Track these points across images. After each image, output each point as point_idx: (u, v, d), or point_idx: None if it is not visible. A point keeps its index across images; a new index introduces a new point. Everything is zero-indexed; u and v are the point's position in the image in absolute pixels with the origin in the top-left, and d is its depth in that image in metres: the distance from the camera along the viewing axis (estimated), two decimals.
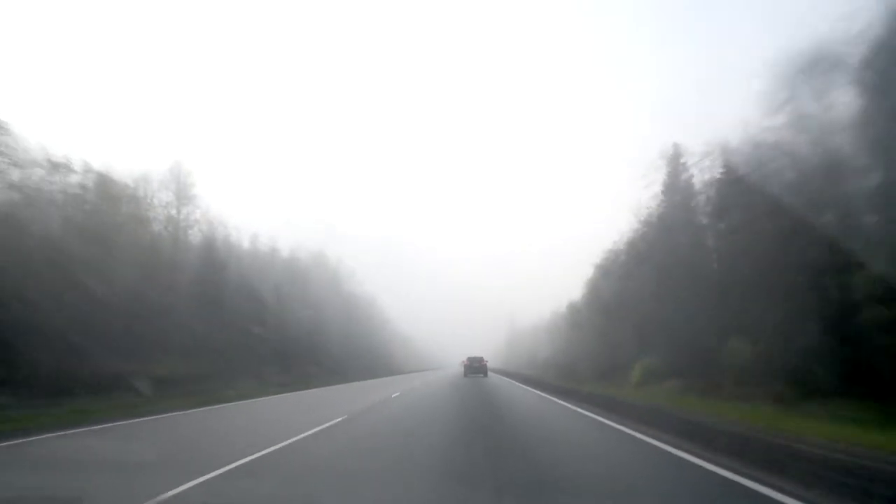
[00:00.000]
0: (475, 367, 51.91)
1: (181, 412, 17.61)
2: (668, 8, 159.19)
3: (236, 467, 8.07)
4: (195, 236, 37.76)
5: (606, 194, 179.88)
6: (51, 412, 15.57)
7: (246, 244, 50.38)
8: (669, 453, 9.21)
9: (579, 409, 17.34)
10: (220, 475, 7.49)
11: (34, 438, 11.46)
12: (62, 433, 12.19)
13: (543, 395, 25.83)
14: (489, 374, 55.07)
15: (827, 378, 15.31)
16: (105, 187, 28.06)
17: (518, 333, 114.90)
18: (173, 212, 36.82)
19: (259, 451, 9.37)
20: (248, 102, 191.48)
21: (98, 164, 28.35)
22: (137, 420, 15.12)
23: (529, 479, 7.29)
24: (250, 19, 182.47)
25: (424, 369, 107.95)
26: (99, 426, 13.48)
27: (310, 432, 11.93)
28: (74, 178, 25.76)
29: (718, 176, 24.61)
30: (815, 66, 16.51)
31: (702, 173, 26.04)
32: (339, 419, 14.68)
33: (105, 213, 27.81)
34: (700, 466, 8.02)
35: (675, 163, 32.97)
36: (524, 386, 34.56)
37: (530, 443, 10.80)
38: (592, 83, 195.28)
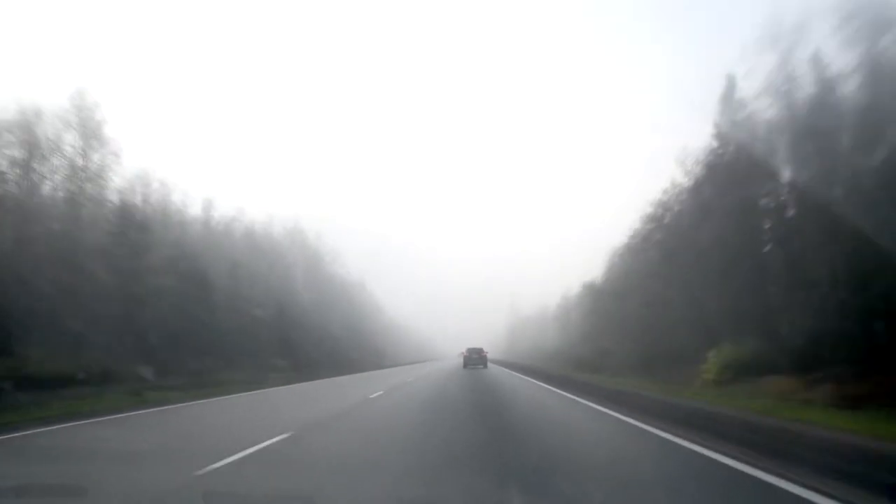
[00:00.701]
0: (474, 359, 49.98)
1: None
2: None
3: None
4: (110, 192, 28.82)
5: (619, 170, 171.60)
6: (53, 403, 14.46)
7: (196, 211, 41.48)
8: None
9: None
10: None
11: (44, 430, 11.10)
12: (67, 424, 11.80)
13: (605, 411, 17.05)
14: (494, 367, 51.05)
15: None
16: None
17: (521, 323, 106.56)
18: (79, 159, 27.92)
19: None
20: (254, 99, 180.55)
21: None
22: None
23: None
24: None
25: (420, 361, 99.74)
26: None
27: None
28: None
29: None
30: None
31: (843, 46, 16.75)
32: None
33: None
34: None
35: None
36: (549, 387, 25.74)
37: None
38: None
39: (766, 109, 20.02)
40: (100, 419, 13.33)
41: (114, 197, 28.69)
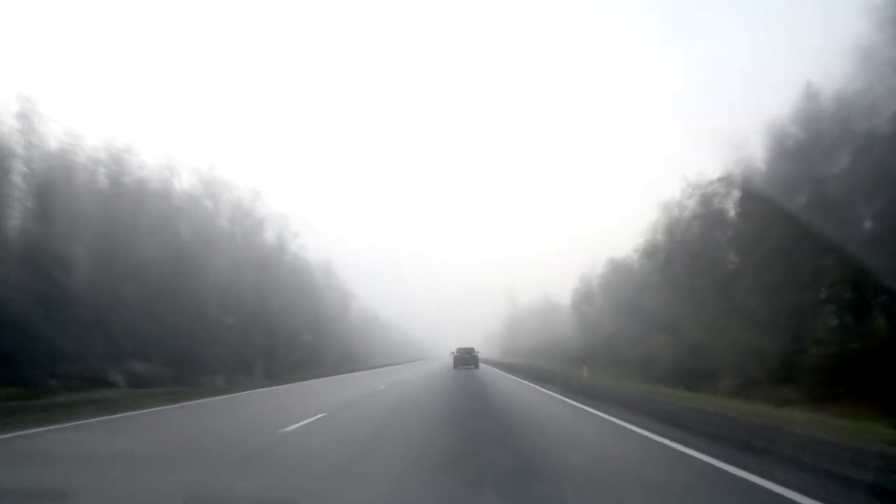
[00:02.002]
0: (465, 359, 49.81)
1: None
2: None
3: None
4: None
5: (616, 162, 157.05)
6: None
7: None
8: None
9: None
10: None
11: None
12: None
13: None
14: (495, 371, 45.12)
15: None
16: None
17: (521, 316, 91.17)
18: None
19: None
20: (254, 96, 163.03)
21: None
22: None
23: None
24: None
25: (404, 362, 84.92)
26: None
27: None
28: None
29: None
30: None
31: None
32: None
33: None
34: None
35: None
36: None
37: None
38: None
39: None
40: None
41: None
